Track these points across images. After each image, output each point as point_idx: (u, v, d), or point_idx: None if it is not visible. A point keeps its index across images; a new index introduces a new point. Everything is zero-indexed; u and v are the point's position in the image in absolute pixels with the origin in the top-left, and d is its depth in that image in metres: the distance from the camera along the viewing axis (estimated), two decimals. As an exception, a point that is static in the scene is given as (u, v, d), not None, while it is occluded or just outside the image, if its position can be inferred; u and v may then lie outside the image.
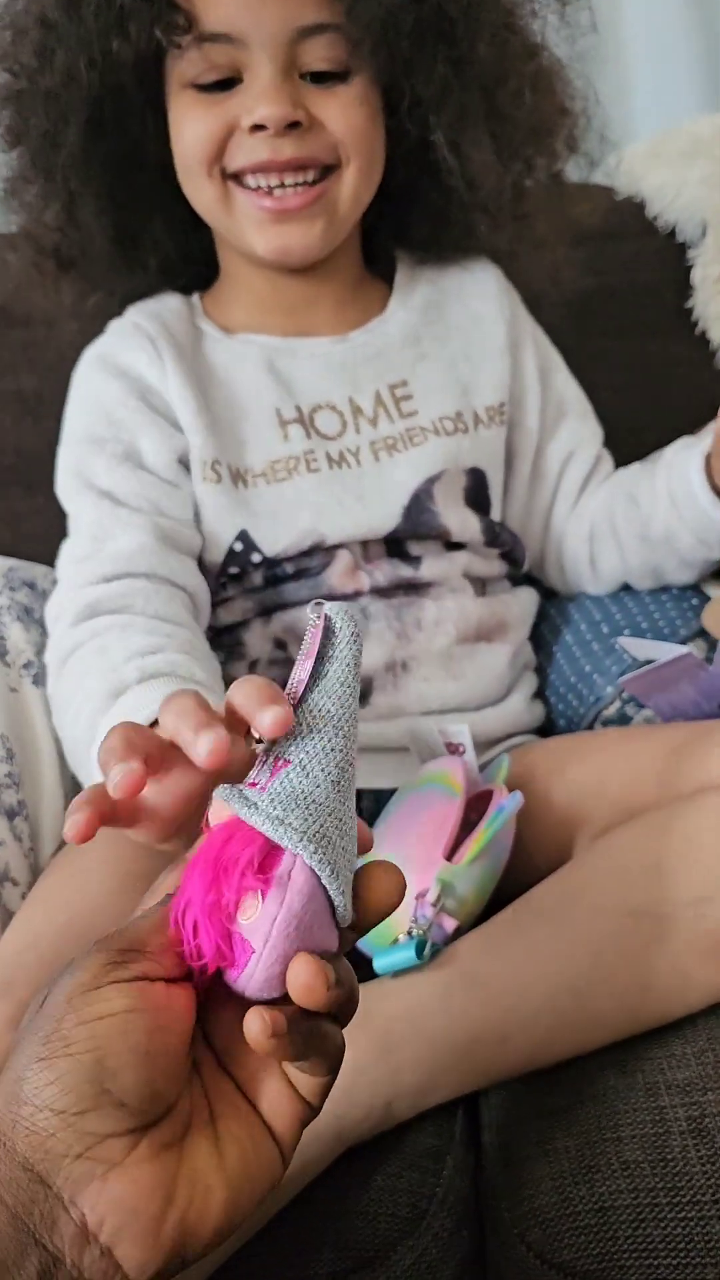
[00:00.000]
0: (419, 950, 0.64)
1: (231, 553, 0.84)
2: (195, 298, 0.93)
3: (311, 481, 0.84)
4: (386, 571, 0.86)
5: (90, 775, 0.68)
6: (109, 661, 0.69)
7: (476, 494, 0.90)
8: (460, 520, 0.87)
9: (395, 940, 0.65)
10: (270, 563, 0.84)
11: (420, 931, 0.65)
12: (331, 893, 0.41)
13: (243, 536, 0.84)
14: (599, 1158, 0.57)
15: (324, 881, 0.40)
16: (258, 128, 0.77)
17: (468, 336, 0.93)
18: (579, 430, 0.96)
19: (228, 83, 0.78)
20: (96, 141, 0.82)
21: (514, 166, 0.87)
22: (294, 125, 0.77)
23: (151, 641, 0.70)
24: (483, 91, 0.82)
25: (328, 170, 0.81)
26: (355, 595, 0.86)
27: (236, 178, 0.80)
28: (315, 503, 0.84)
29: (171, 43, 0.76)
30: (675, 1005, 0.62)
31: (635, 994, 0.62)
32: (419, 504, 0.85)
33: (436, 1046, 0.61)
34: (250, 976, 0.40)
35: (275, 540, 0.84)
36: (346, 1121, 0.58)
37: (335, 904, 0.41)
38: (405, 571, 0.87)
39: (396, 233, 0.93)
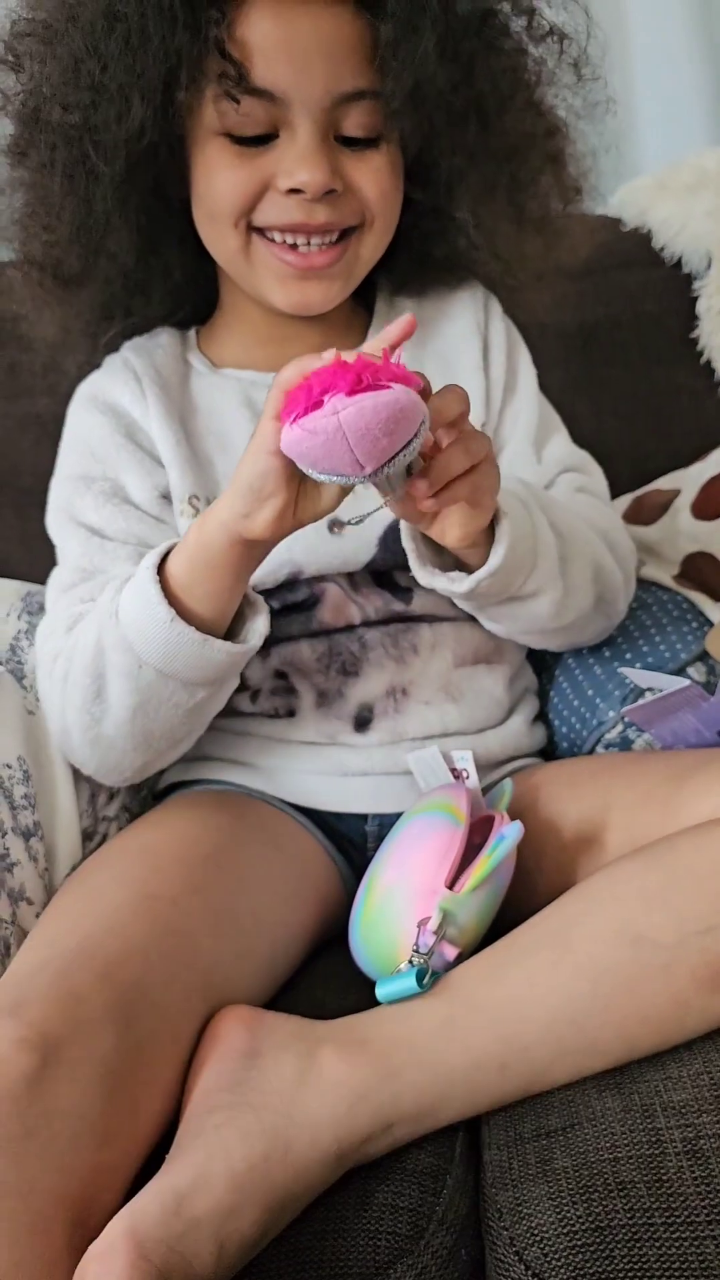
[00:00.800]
0: (420, 978, 0.65)
1: None
2: (192, 332, 0.96)
3: None
4: (378, 605, 0.88)
5: (119, 645, 0.75)
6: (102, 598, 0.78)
7: None
8: None
9: (398, 969, 0.67)
10: None
11: (421, 960, 0.66)
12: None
13: None
14: (596, 1178, 0.58)
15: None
16: (295, 190, 0.79)
17: (445, 360, 0.93)
18: (522, 455, 0.93)
19: (263, 138, 0.79)
20: (135, 176, 0.83)
21: (528, 233, 0.90)
22: (330, 191, 0.79)
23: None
24: (505, 167, 0.85)
25: (350, 229, 0.83)
26: (349, 628, 0.88)
27: (260, 230, 0.82)
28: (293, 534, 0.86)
29: (227, 94, 0.77)
30: (673, 1034, 0.63)
31: (634, 1023, 0.63)
32: (394, 537, 0.86)
33: (437, 1072, 0.62)
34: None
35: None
36: (347, 1144, 0.60)
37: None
38: (396, 605, 0.88)
39: (384, 264, 0.94)
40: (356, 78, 0.78)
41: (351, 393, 0.59)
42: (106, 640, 0.76)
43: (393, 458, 0.62)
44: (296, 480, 0.68)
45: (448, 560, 0.79)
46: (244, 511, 0.69)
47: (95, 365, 0.95)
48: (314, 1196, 0.59)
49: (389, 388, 0.60)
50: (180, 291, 0.94)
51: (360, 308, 0.96)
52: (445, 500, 0.69)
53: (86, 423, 0.91)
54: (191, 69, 0.77)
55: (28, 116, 0.81)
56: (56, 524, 0.89)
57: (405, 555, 0.84)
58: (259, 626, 0.76)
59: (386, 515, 0.83)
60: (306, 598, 0.87)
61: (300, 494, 0.69)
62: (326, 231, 0.81)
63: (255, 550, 0.72)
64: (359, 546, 0.87)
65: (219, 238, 0.84)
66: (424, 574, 0.78)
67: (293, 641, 0.88)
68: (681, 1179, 0.57)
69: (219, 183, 0.81)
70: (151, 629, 0.73)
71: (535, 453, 0.93)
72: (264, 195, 0.80)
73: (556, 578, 0.81)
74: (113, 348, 0.95)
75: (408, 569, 0.85)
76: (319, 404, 0.60)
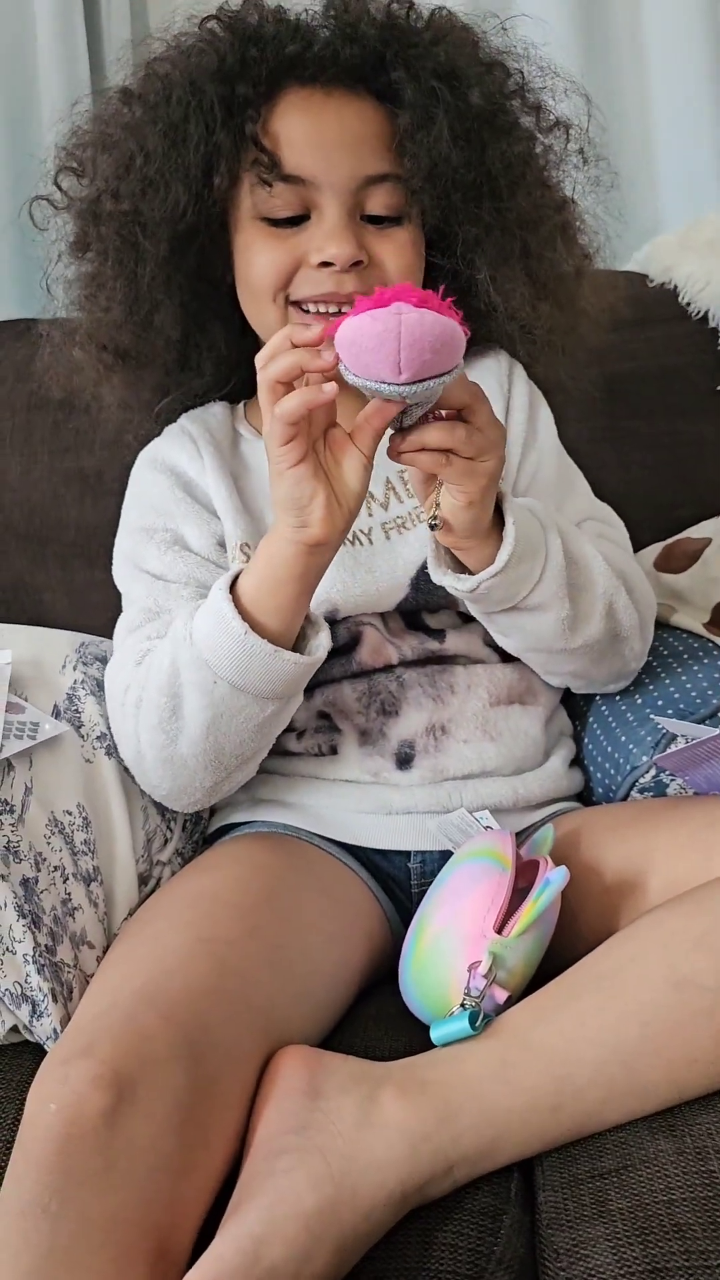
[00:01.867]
0: (472, 1021, 0.67)
1: None
2: (241, 406, 1.03)
3: None
4: (414, 645, 0.92)
5: (194, 663, 0.80)
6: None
7: None
8: None
9: (450, 1012, 0.69)
10: None
11: (474, 1003, 0.68)
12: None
13: None
14: (652, 1220, 0.59)
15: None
16: (325, 264, 0.86)
17: None
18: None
19: (297, 219, 0.88)
20: (178, 258, 0.91)
21: (544, 301, 0.96)
22: (357, 263, 0.87)
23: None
24: (519, 236, 0.92)
25: None
26: (387, 668, 0.92)
27: (297, 303, 0.89)
28: (330, 575, 0.89)
29: (261, 180, 0.86)
30: (720, 1078, 0.65)
31: (682, 1066, 0.64)
32: (427, 576, 0.90)
33: (494, 1114, 0.64)
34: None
35: None
36: (410, 1185, 0.61)
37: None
38: (432, 645, 0.93)
39: None
40: (379, 162, 0.88)
41: (417, 306, 0.67)
42: (181, 660, 0.81)
43: (427, 379, 0.68)
44: (324, 474, 0.75)
45: (465, 570, 0.83)
46: (297, 522, 0.75)
47: (155, 434, 1.03)
48: (379, 1237, 0.60)
49: (447, 317, 0.67)
50: (227, 366, 1.01)
51: None
52: (406, 454, 0.74)
53: (148, 481, 0.98)
54: (229, 160, 0.86)
55: (87, 213, 0.92)
56: (123, 573, 0.96)
57: (435, 597, 0.90)
58: (322, 640, 0.82)
59: (417, 559, 0.90)
60: (346, 640, 0.92)
61: (333, 482, 0.75)
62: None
63: (318, 557, 0.78)
64: (392, 587, 0.92)
65: (259, 311, 0.92)
66: (438, 573, 0.83)
67: (335, 683, 0.92)
68: (736, 1221, 0.59)
69: (257, 261, 0.89)
70: (226, 643, 0.78)
71: (556, 506, 0.97)
72: (298, 271, 0.88)
73: (563, 597, 0.85)
74: (171, 419, 1.03)
75: (436, 610, 0.91)
76: (385, 305, 0.67)
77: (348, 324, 0.68)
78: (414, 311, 0.66)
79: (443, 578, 0.83)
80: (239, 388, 1.03)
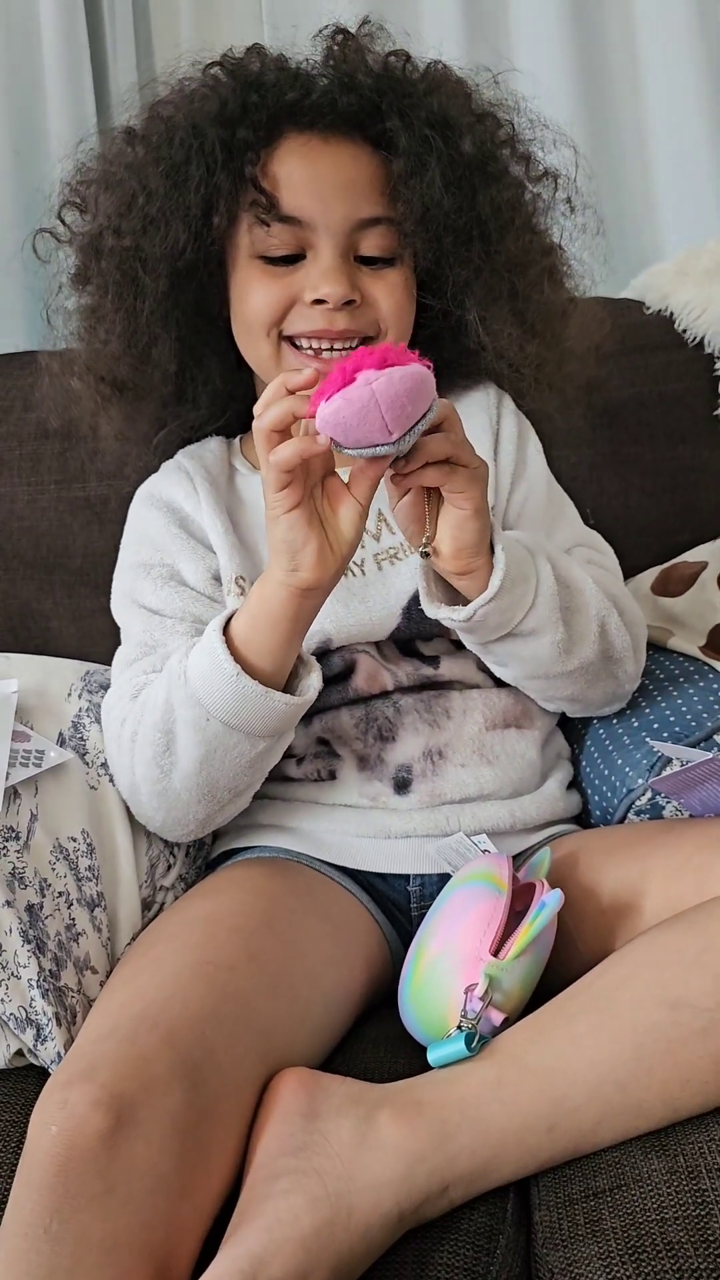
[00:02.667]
0: (469, 1042, 0.68)
1: None
2: (236, 440, 1.06)
3: None
4: (409, 672, 0.94)
5: (188, 701, 0.82)
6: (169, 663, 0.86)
7: None
8: None
9: (447, 1034, 0.70)
10: None
11: (470, 1024, 0.69)
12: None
13: None
14: (645, 1239, 0.60)
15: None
16: (319, 301, 0.89)
17: None
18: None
19: (292, 258, 0.90)
20: (176, 293, 0.94)
21: (531, 342, 0.99)
22: (349, 302, 0.89)
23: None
24: (507, 278, 0.95)
25: (367, 338, 0.92)
26: (384, 694, 0.93)
27: (290, 339, 0.92)
28: (323, 606, 0.91)
29: (259, 220, 0.89)
30: (714, 1096, 0.66)
31: (676, 1086, 0.65)
32: (418, 605, 0.92)
33: (489, 1134, 0.64)
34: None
35: None
36: (406, 1206, 0.62)
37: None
38: (426, 671, 0.95)
39: None
40: (373, 206, 0.90)
41: (379, 368, 0.70)
42: (175, 698, 0.82)
43: (414, 425, 0.72)
44: (319, 520, 0.77)
45: (457, 601, 0.85)
46: (290, 566, 0.78)
47: (152, 469, 1.05)
48: (376, 1258, 0.61)
49: (409, 363, 0.71)
50: (222, 399, 1.04)
51: None
52: (412, 476, 0.77)
53: (145, 518, 1.00)
54: (229, 200, 0.89)
55: (89, 248, 0.94)
56: (121, 607, 0.98)
57: (428, 625, 0.92)
58: (313, 681, 0.84)
59: (409, 589, 0.92)
60: (341, 669, 0.93)
61: (327, 529, 0.77)
62: (346, 338, 0.91)
63: (310, 600, 0.80)
64: (384, 616, 0.93)
65: (253, 346, 0.94)
66: (431, 608, 0.85)
67: (333, 710, 0.94)
68: (728, 1240, 0.59)
69: (253, 298, 0.92)
70: (219, 683, 0.80)
71: (546, 533, 0.99)
72: (292, 308, 0.91)
73: (557, 621, 0.86)
74: (168, 454, 1.05)
75: (430, 638, 0.92)
76: (351, 380, 0.70)
77: (327, 409, 0.71)
78: (381, 376, 0.70)
79: (437, 611, 0.84)
80: (234, 421, 1.06)
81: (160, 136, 0.91)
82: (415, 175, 0.89)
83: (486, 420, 1.01)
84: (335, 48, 0.95)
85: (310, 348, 0.91)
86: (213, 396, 1.03)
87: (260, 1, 1.46)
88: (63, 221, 0.98)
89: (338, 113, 0.91)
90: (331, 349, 0.91)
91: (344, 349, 0.91)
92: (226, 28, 1.45)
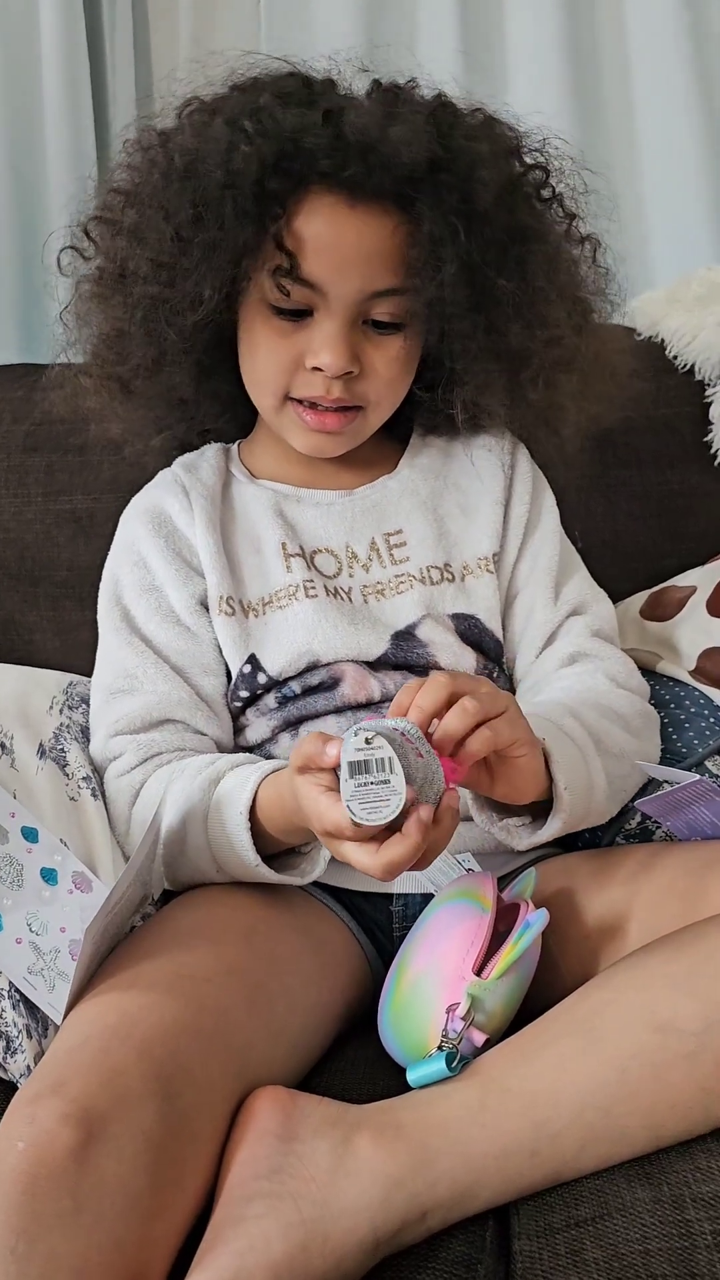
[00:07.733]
0: (449, 1062, 0.67)
1: (242, 674, 0.94)
2: (235, 446, 1.06)
3: (309, 606, 0.94)
4: (398, 680, 0.93)
5: (197, 847, 0.83)
6: (190, 767, 0.87)
7: (474, 635, 0.97)
8: (454, 657, 0.94)
9: (427, 1054, 0.68)
10: (275, 683, 0.93)
11: (451, 1044, 0.68)
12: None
13: (251, 660, 0.94)
14: (628, 1270, 0.59)
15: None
16: (317, 368, 0.90)
17: (465, 491, 1.01)
18: (541, 595, 0.99)
19: (301, 312, 0.90)
20: (198, 333, 0.93)
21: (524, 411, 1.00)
22: (347, 372, 0.90)
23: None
24: (507, 363, 0.95)
25: (357, 408, 0.93)
26: (369, 704, 0.93)
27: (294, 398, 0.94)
28: (310, 625, 0.93)
29: (279, 285, 0.87)
30: (699, 1122, 0.64)
31: (662, 1110, 0.64)
32: (406, 639, 0.94)
33: (470, 1158, 0.63)
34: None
35: (276, 660, 0.93)
36: (383, 1232, 0.60)
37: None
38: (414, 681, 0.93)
39: (416, 413, 1.04)
40: (389, 277, 0.89)
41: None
42: (191, 845, 0.84)
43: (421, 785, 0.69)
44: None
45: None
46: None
47: (135, 465, 1.05)
48: (350, 1284, 0.59)
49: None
50: (227, 403, 1.03)
51: (393, 439, 1.05)
52: (465, 758, 0.72)
53: (138, 533, 1.00)
54: (251, 256, 0.88)
55: (114, 272, 0.93)
56: (106, 615, 0.98)
57: (414, 656, 0.93)
58: (318, 868, 0.83)
59: (397, 623, 0.94)
60: (325, 680, 0.93)
61: None
62: (340, 405, 0.92)
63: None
64: (372, 641, 0.93)
65: (258, 397, 0.96)
66: (482, 818, 0.82)
67: (319, 718, 0.93)
68: (713, 1273, 0.58)
69: (260, 354, 0.93)
70: (235, 860, 0.82)
71: (554, 591, 0.99)
72: (297, 371, 0.91)
73: (610, 808, 0.87)
74: (167, 458, 1.05)
75: (415, 667, 0.93)
76: None
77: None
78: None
79: (490, 826, 0.82)
80: (233, 425, 1.06)
81: (194, 180, 0.87)
82: (430, 265, 0.87)
83: (497, 463, 1.01)
84: (377, 104, 0.89)
85: (310, 406, 0.93)
86: (217, 400, 1.03)
87: (259, 10, 1.47)
88: (89, 235, 0.96)
89: (369, 187, 0.87)
90: (326, 408, 0.92)
91: (337, 410, 0.92)
92: (224, 38, 1.45)
